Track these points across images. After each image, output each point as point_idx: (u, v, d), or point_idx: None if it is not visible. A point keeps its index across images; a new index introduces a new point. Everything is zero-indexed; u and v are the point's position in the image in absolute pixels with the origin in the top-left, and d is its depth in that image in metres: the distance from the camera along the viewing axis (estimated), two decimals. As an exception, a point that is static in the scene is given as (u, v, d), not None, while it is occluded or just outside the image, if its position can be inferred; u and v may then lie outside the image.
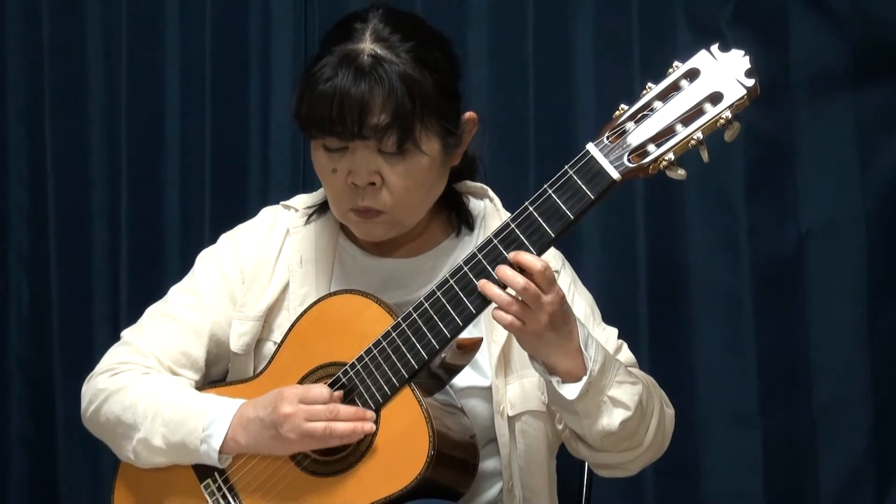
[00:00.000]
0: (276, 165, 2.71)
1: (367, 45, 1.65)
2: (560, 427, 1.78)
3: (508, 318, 1.57)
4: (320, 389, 1.65)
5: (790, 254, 2.49)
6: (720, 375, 2.51)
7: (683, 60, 1.55)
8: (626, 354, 1.83)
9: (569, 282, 1.83)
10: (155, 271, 2.75)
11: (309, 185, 2.61)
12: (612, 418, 1.66)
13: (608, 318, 1.87)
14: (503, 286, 1.58)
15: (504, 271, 1.57)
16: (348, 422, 1.63)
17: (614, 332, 1.84)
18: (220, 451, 1.70)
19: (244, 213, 2.62)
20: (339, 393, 1.66)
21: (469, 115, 1.75)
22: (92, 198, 2.82)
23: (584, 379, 1.62)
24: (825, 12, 2.47)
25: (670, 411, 1.80)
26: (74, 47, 2.82)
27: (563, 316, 1.60)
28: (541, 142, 2.56)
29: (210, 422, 1.71)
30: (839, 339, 2.48)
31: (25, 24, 2.84)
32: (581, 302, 1.82)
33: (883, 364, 2.47)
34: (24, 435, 2.89)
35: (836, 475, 2.49)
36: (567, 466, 1.92)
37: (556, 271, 1.80)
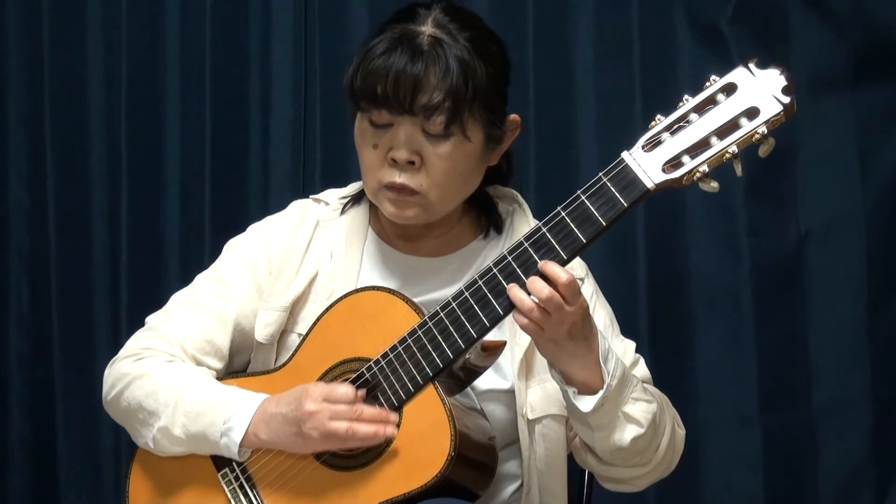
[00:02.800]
0: (276, 165, 2.70)
1: (428, 28, 1.68)
2: (570, 435, 1.78)
3: (525, 320, 1.57)
4: (345, 389, 1.64)
5: (790, 254, 2.49)
6: (720, 375, 2.51)
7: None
8: (641, 370, 1.82)
9: (591, 291, 1.83)
10: (155, 271, 2.75)
11: (309, 185, 2.61)
12: (624, 434, 1.66)
13: (608, 318, 1.87)
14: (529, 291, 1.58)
15: (532, 282, 1.57)
16: (371, 423, 1.63)
17: (632, 345, 1.84)
18: (241, 445, 1.70)
19: (244, 213, 2.63)
20: (362, 392, 1.66)
21: (513, 116, 1.77)
22: (92, 198, 2.82)
23: (601, 392, 1.62)
24: (825, 12, 2.46)
25: (682, 431, 1.80)
26: (74, 47, 2.81)
27: (583, 327, 1.60)
28: (541, 142, 2.55)
29: (231, 415, 1.70)
30: (839, 339, 2.48)
31: (26, 24, 2.84)
32: (601, 312, 1.83)
33: (883, 364, 2.47)
34: (24, 435, 2.89)
35: (836, 475, 2.48)
36: (568, 465, 1.91)
37: (581, 279, 1.80)
